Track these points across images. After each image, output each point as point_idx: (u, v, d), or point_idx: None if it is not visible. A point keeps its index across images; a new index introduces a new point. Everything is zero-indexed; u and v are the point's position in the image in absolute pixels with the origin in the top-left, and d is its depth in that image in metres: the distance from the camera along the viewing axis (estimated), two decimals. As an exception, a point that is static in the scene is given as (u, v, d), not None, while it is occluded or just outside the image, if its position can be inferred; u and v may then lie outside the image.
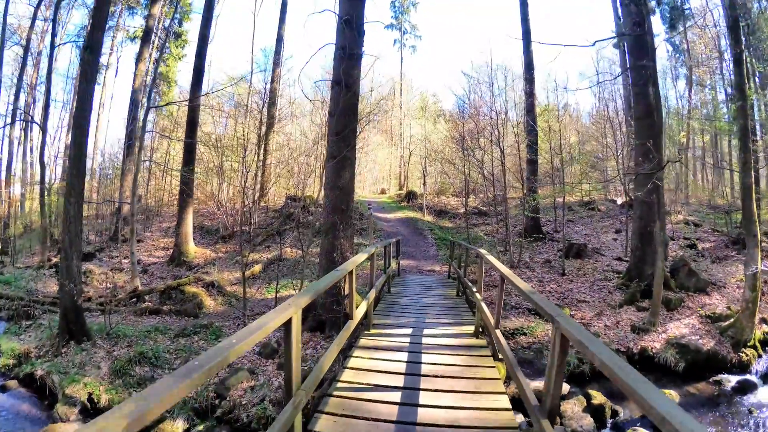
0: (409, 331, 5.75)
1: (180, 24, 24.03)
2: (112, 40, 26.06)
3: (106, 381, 6.46)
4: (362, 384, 3.78)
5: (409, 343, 5.17)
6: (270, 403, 5.49)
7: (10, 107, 22.21)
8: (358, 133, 9.14)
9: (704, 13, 20.35)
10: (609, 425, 5.79)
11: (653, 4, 19.49)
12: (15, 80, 22.76)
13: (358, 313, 4.76)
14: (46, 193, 17.69)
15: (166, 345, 7.63)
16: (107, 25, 24.05)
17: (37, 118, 21.13)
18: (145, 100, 18.64)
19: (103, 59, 25.76)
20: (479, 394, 3.59)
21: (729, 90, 19.56)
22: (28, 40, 22.35)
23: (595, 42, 8.31)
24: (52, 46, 19.53)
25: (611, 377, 1.60)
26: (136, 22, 25.06)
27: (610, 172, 19.24)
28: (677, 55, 24.56)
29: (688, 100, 23.23)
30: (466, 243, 10.95)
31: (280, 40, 23.06)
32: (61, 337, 7.57)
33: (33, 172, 25.64)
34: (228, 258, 14.50)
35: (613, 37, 17.19)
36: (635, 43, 10.55)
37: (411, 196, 25.76)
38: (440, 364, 4.36)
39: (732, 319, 8.03)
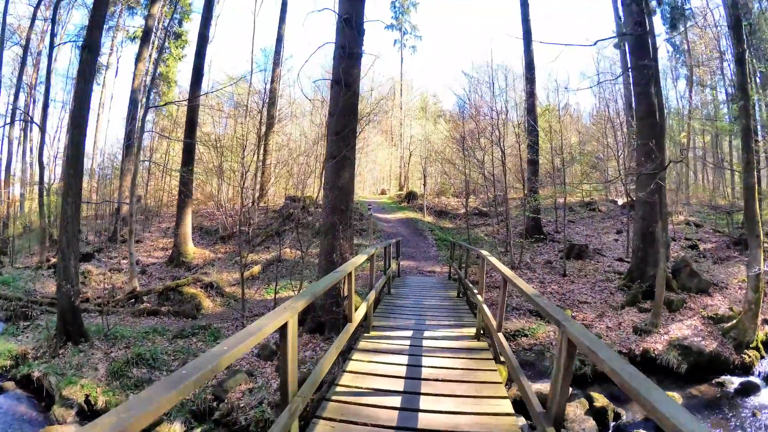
0: (409, 333, 5.67)
1: (180, 24, 23.98)
2: (112, 40, 26.02)
3: (104, 383, 6.41)
4: (362, 388, 3.71)
5: (410, 345, 5.10)
6: (268, 406, 5.43)
7: (10, 107, 22.18)
8: (357, 132, 9.08)
9: (705, 14, 20.29)
10: (611, 428, 5.73)
11: (654, 4, 19.41)
12: (14, 80, 22.74)
13: (358, 315, 4.69)
14: (45, 193, 17.61)
15: (164, 346, 7.58)
16: (107, 26, 24.15)
17: (37, 118, 21.08)
18: (144, 100, 18.60)
19: (103, 59, 25.77)
20: (481, 399, 3.53)
21: (730, 90, 19.50)
22: (28, 39, 22.31)
23: (597, 41, 8.30)
24: (51, 46, 19.50)
25: (622, 386, 1.53)
26: (136, 22, 25.03)
27: (611, 173, 19.17)
28: (677, 56, 24.48)
29: (689, 101, 23.16)
30: (467, 244, 10.89)
31: (280, 39, 23.04)
32: (58, 338, 7.51)
33: (32, 173, 25.58)
34: (227, 259, 14.44)
35: (615, 37, 17.13)
36: (636, 43, 10.49)
37: (411, 196, 25.70)
38: (441, 368, 4.29)
39: (734, 321, 7.97)
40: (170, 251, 14.91)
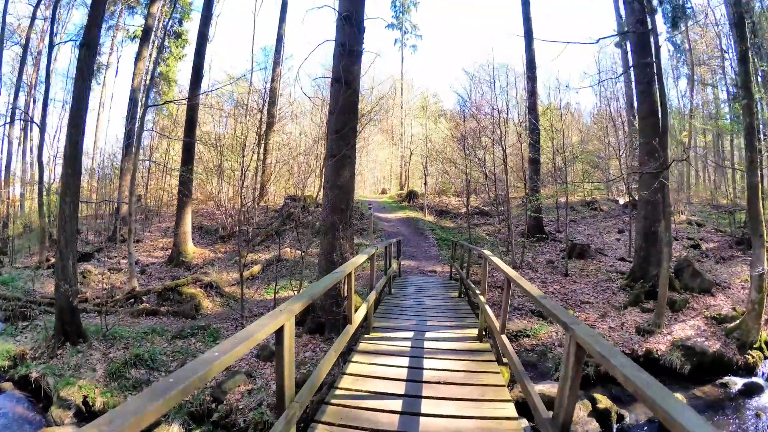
0: (410, 334, 5.60)
1: (180, 23, 23.92)
2: (112, 40, 25.95)
3: (102, 384, 6.36)
4: (362, 391, 3.64)
5: (411, 347, 5.02)
6: (267, 408, 5.38)
7: (10, 107, 22.12)
8: (358, 131, 9.02)
9: (706, 12, 20.18)
10: (615, 430, 5.67)
11: (656, 2, 19.35)
12: (14, 80, 22.68)
13: (358, 316, 4.61)
14: (44, 192, 17.56)
15: (163, 347, 7.53)
16: (107, 25, 24.12)
17: (37, 117, 21.02)
18: (144, 99, 18.54)
19: (104, 59, 25.72)
20: (484, 402, 3.45)
21: (731, 89, 19.41)
22: (28, 39, 22.25)
23: (599, 39, 8.25)
24: (51, 45, 19.42)
25: (636, 394, 1.44)
26: (136, 22, 24.97)
27: (612, 172, 19.09)
28: (678, 55, 24.38)
29: (690, 100, 23.06)
30: (468, 243, 10.83)
31: (280, 39, 22.98)
32: (56, 339, 7.47)
33: (33, 172, 25.49)
34: (227, 258, 14.38)
35: (617, 35, 17.03)
36: (638, 41, 10.43)
37: (412, 195, 25.65)
38: (443, 370, 4.22)
39: (738, 321, 7.92)
40: (170, 251, 14.86)
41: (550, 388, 5.97)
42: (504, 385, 3.89)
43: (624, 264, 12.23)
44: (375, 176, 36.08)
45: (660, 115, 9.49)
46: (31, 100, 24.41)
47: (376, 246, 7.12)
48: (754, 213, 7.89)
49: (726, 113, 21.35)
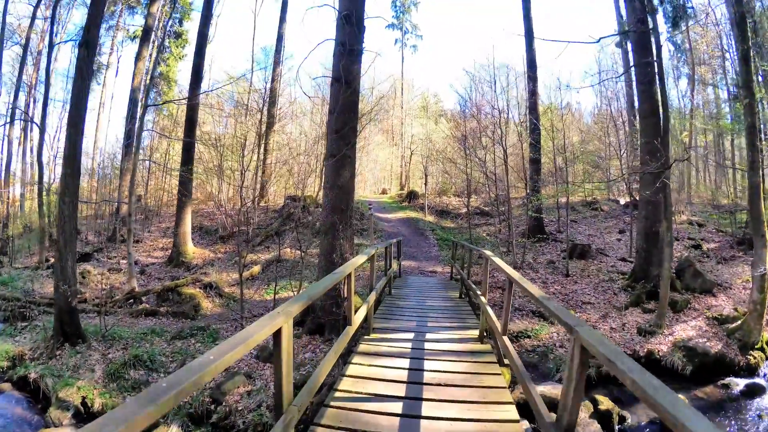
0: (410, 335, 5.55)
1: (180, 23, 23.90)
2: (113, 40, 25.94)
3: (100, 385, 6.33)
4: (362, 393, 3.59)
5: (411, 348, 4.97)
6: (267, 409, 5.35)
7: (10, 107, 22.09)
8: (358, 131, 8.99)
9: (706, 12, 20.13)
10: (616, 431, 5.63)
11: (656, 1, 19.32)
12: (14, 80, 22.66)
13: (357, 318, 4.57)
14: (44, 193, 17.52)
15: (162, 348, 7.50)
16: (108, 25, 24.11)
17: (37, 118, 21.00)
18: (144, 98, 18.51)
19: (104, 59, 25.72)
20: (485, 404, 3.41)
21: (732, 89, 19.37)
22: (28, 39, 22.23)
23: (600, 39, 8.21)
24: (51, 45, 19.39)
25: (646, 401, 1.39)
26: (136, 22, 24.95)
27: (613, 172, 19.04)
28: (679, 54, 24.35)
29: (691, 99, 23.02)
30: (469, 244, 10.79)
31: (280, 38, 22.96)
32: (55, 339, 7.45)
33: (33, 173, 25.48)
34: (227, 259, 14.36)
35: (618, 34, 16.98)
36: (639, 40, 10.40)
37: (412, 196, 25.62)
38: (444, 372, 4.18)
39: (739, 321, 7.88)
40: (170, 251, 14.83)
41: (551, 389, 5.93)
42: (505, 387, 3.85)
43: (625, 264, 12.20)
44: (375, 176, 36.04)
45: (661, 115, 9.45)
46: (32, 100, 24.42)
47: (376, 246, 7.08)
48: (756, 213, 7.84)
49: (726, 113, 21.32)
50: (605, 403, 5.83)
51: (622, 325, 8.41)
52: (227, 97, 22.89)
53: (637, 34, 10.29)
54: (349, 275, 4.39)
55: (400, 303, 7.95)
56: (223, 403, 5.64)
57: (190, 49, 23.53)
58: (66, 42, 23.95)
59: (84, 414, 5.87)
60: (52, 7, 19.85)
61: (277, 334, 2.19)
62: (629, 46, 17.11)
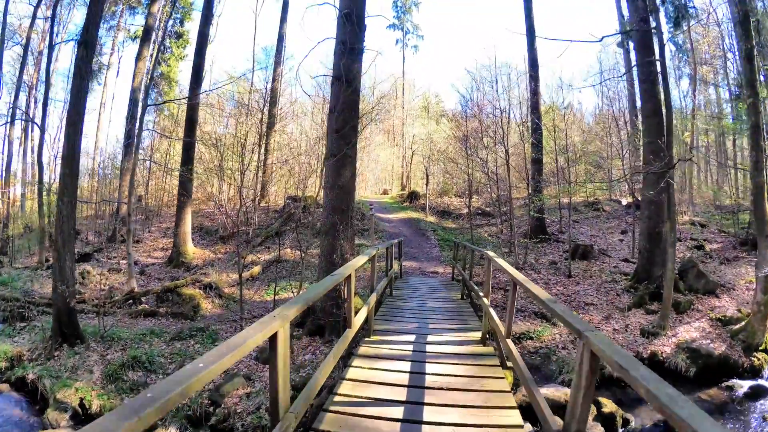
0: (412, 337, 5.47)
1: (181, 23, 23.87)
2: (113, 40, 25.91)
3: (99, 386, 6.29)
4: (362, 397, 3.52)
5: (412, 351, 4.89)
6: (266, 412, 5.28)
7: (10, 107, 22.05)
8: (359, 131, 8.93)
9: (708, 12, 20.05)
10: (620, 434, 5.57)
11: (659, 0, 19.24)
12: (15, 80, 22.63)
13: (358, 320, 4.50)
14: (44, 193, 17.48)
15: (161, 349, 7.45)
16: (108, 25, 24.09)
17: (38, 118, 20.97)
18: (144, 98, 18.45)
19: (105, 59, 25.68)
20: (488, 409, 3.34)
21: (734, 89, 19.28)
22: (28, 39, 22.19)
23: (603, 38, 8.10)
24: (51, 45, 19.36)
25: (662, 411, 1.31)
26: (137, 22, 24.91)
27: (614, 172, 18.97)
28: (680, 54, 24.26)
29: (692, 99, 22.93)
30: (470, 244, 10.72)
31: (281, 38, 22.92)
32: (54, 340, 7.40)
33: (33, 173, 25.47)
34: (227, 259, 14.31)
35: (620, 33, 16.95)
36: (642, 40, 10.35)
37: (413, 196, 25.55)
38: (446, 375, 4.10)
39: (743, 323, 7.82)
40: (170, 251, 14.79)
41: (554, 391, 5.87)
42: (509, 391, 3.78)
43: (627, 265, 12.12)
44: (376, 176, 35.98)
45: (664, 114, 9.38)
46: (32, 100, 24.40)
47: (377, 247, 7.01)
48: (760, 214, 7.77)
49: (728, 113, 21.23)
50: (609, 405, 5.77)
51: (625, 327, 8.34)
52: (228, 97, 22.84)
53: (639, 33, 10.23)
54: (350, 276, 4.33)
55: (401, 304, 7.88)
56: (222, 405, 5.59)
57: (190, 49, 23.51)
58: (66, 42, 23.94)
59: (82, 415, 5.83)
60: (52, 7, 19.83)
61: (272, 339, 2.12)
62: (631, 46, 17.07)
